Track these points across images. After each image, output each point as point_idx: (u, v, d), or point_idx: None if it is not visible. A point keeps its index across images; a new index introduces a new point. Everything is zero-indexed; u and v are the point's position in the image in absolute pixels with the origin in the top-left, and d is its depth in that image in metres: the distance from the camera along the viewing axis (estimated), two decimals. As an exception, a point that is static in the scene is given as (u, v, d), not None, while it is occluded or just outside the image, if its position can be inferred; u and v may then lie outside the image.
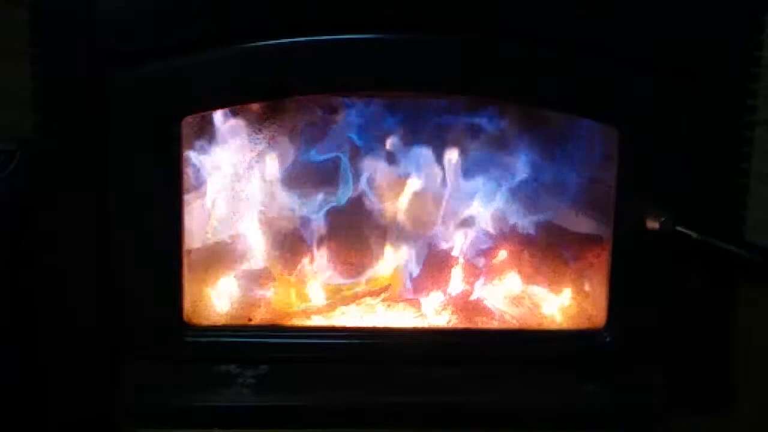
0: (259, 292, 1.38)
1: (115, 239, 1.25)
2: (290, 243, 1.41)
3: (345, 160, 1.43)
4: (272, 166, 1.41)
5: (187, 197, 1.29)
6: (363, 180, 1.43)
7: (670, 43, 1.23)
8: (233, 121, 1.38)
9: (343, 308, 1.38)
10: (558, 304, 1.41)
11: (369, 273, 1.41)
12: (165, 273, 1.27)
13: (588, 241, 1.38)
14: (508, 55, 1.23)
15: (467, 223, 1.44)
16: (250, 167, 1.40)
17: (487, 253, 1.43)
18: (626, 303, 1.30)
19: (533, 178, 1.44)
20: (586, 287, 1.39)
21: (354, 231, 1.42)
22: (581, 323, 1.37)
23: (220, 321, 1.35)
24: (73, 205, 1.24)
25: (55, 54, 1.19)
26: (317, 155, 1.43)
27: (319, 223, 1.42)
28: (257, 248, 1.41)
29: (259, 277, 1.38)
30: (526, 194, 1.44)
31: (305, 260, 1.41)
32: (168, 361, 1.29)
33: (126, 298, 1.27)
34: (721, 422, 1.34)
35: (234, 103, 1.30)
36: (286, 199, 1.42)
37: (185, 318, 1.30)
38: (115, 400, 1.27)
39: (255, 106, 1.37)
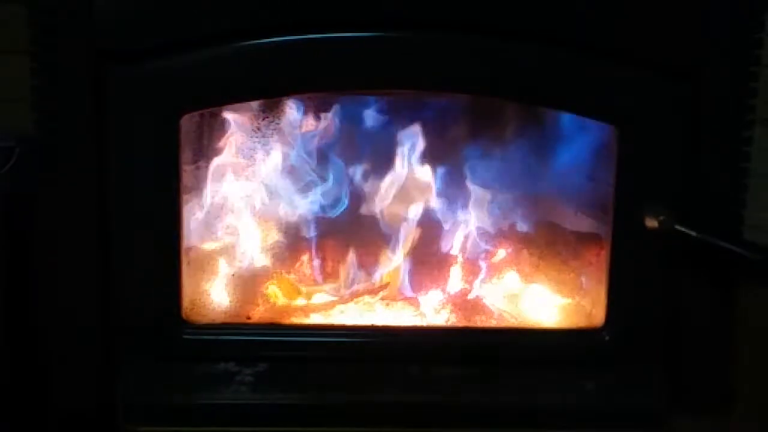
0: (258, 290, 1.38)
1: (114, 237, 1.25)
2: (289, 241, 1.41)
3: (344, 159, 1.43)
4: (271, 164, 1.41)
5: (186, 195, 1.29)
6: (362, 180, 1.43)
7: (670, 42, 1.23)
8: (232, 119, 1.38)
9: (341, 306, 1.38)
10: (557, 303, 1.41)
11: (368, 272, 1.41)
12: (164, 271, 1.27)
13: (587, 240, 1.38)
14: (509, 55, 1.23)
15: (466, 221, 1.43)
16: (250, 165, 1.40)
17: (487, 252, 1.43)
18: (625, 302, 1.30)
19: (533, 177, 1.43)
20: (585, 286, 1.39)
21: (353, 230, 1.42)
22: (580, 322, 1.37)
23: (218, 319, 1.35)
24: (72, 202, 1.24)
25: (55, 51, 1.20)
26: (316, 154, 1.42)
27: (317, 222, 1.41)
28: (256, 246, 1.41)
29: (257, 276, 1.38)
30: (526, 193, 1.44)
31: (304, 258, 1.41)
32: (167, 359, 1.29)
33: (125, 296, 1.27)
34: (721, 422, 1.34)
35: (233, 101, 1.30)
36: (285, 197, 1.42)
37: (184, 316, 1.30)
38: (114, 398, 1.27)
39: (254, 104, 1.37)
